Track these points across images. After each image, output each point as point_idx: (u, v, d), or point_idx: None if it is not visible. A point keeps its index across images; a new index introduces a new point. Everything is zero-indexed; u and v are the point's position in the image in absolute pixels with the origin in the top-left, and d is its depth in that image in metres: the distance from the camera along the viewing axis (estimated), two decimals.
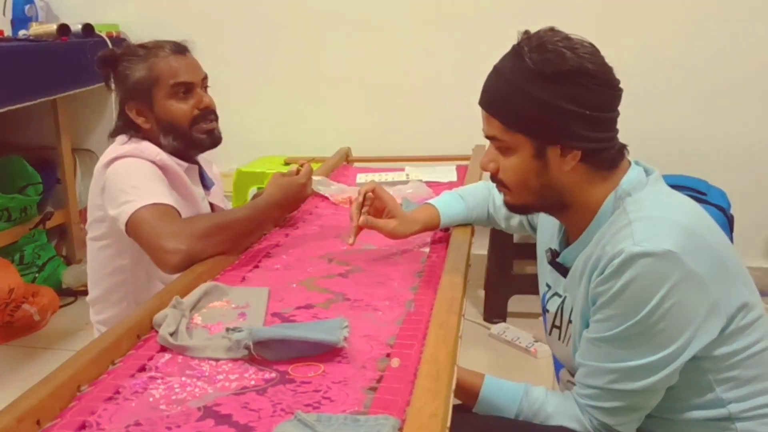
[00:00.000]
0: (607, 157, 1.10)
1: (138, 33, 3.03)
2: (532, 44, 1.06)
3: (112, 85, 1.65)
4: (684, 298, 0.99)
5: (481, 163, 1.18)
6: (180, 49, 1.62)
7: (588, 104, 1.04)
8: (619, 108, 1.11)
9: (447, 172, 2.19)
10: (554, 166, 1.09)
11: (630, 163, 1.14)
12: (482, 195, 1.53)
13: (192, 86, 1.60)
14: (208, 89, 1.67)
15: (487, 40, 2.80)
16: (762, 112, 2.77)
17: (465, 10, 2.87)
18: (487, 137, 1.14)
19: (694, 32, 2.74)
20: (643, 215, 1.04)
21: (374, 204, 1.46)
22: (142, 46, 1.62)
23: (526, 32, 1.09)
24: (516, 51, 1.08)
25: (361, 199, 1.45)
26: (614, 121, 1.10)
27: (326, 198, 1.89)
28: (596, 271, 1.05)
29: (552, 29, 1.08)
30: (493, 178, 1.17)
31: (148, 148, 1.57)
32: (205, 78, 1.66)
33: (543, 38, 1.06)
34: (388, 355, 1.00)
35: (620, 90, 1.09)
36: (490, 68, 1.14)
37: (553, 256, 1.22)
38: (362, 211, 1.44)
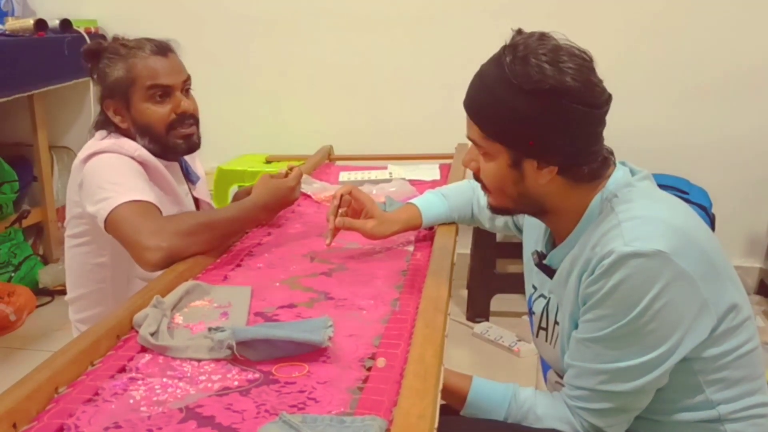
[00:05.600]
0: (587, 170, 1.07)
1: (116, 29, 2.94)
2: (516, 54, 1.01)
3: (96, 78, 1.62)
4: (675, 299, 0.98)
5: (463, 161, 1.16)
6: (161, 50, 1.56)
7: (565, 123, 1.01)
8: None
9: (430, 171, 2.18)
10: (530, 177, 1.07)
11: (615, 165, 1.12)
12: (466, 195, 1.52)
13: (170, 89, 1.55)
14: (191, 91, 1.62)
15: (471, 37, 2.81)
16: (743, 110, 2.79)
17: (449, 7, 2.86)
18: (469, 139, 1.13)
19: (674, 30, 2.76)
20: (633, 215, 1.03)
21: (352, 205, 1.45)
22: (124, 44, 1.57)
23: (520, 31, 1.06)
24: (499, 58, 1.04)
25: (336, 201, 1.43)
26: (596, 137, 1.06)
27: (309, 196, 1.88)
28: (586, 272, 1.04)
29: (542, 37, 1.04)
30: (476, 177, 1.16)
31: (127, 143, 1.54)
32: (187, 80, 1.60)
33: (529, 48, 1.01)
34: (373, 355, 0.99)
35: (606, 106, 1.04)
36: (474, 66, 1.11)
37: (540, 258, 1.21)
38: (339, 212, 1.43)
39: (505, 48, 1.04)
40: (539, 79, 0.99)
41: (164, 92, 1.55)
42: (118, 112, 1.57)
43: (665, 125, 2.82)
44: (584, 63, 1.02)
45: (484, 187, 1.16)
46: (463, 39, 2.84)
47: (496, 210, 1.19)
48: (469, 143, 1.15)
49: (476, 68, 1.12)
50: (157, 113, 1.55)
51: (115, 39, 1.61)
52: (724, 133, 2.81)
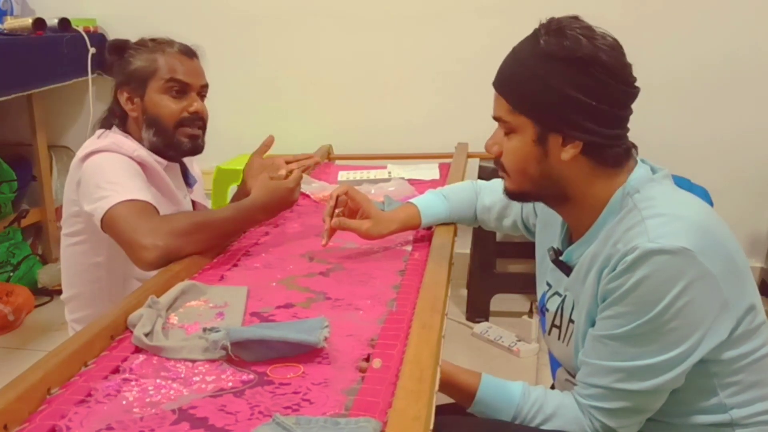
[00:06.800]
0: (611, 154, 1.07)
1: (115, 28, 2.99)
2: (551, 27, 1.04)
3: (110, 74, 1.65)
4: (697, 297, 0.97)
5: (486, 145, 1.15)
6: (188, 52, 1.62)
7: (595, 95, 1.02)
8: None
9: (429, 170, 2.17)
10: (554, 154, 1.07)
11: (637, 162, 1.12)
12: (468, 195, 1.51)
13: (188, 88, 1.58)
14: (205, 99, 1.65)
15: (471, 37, 2.80)
16: (744, 110, 2.78)
17: (449, 7, 2.85)
18: (494, 118, 1.12)
19: (675, 29, 2.75)
20: (657, 212, 1.02)
21: (348, 205, 1.45)
22: (153, 39, 1.61)
23: (550, 18, 1.07)
24: (534, 33, 1.06)
25: (332, 202, 1.43)
26: (623, 119, 1.07)
27: (307, 196, 1.87)
28: (607, 268, 1.03)
29: (575, 17, 1.06)
30: (496, 161, 1.15)
31: (126, 142, 1.54)
32: (205, 87, 1.64)
33: (563, 23, 1.04)
34: (369, 356, 0.98)
35: (634, 89, 1.05)
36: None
37: (557, 255, 1.20)
38: (335, 213, 1.43)
39: (540, 25, 1.06)
40: (573, 47, 1.01)
41: (181, 89, 1.58)
42: (131, 100, 1.59)
43: (666, 125, 2.81)
44: (616, 44, 1.05)
45: (503, 171, 1.15)
46: (462, 39, 2.82)
47: (513, 195, 1.17)
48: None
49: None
50: (170, 107, 1.57)
51: (141, 38, 1.65)
52: (725, 133, 2.80)
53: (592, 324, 1.08)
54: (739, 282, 1.02)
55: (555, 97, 1.03)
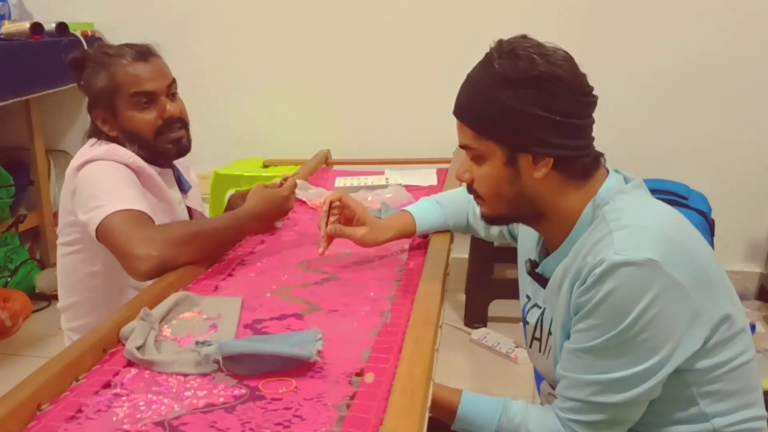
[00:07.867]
0: (580, 165, 1.07)
1: (113, 32, 2.98)
2: (502, 50, 1.04)
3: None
4: (666, 308, 0.97)
5: (457, 174, 1.16)
6: (143, 56, 1.55)
7: (558, 110, 1.02)
8: (598, 113, 1.08)
9: (427, 176, 2.16)
10: (526, 174, 1.07)
11: (608, 172, 1.12)
12: (461, 202, 1.51)
13: (155, 95, 1.54)
14: (177, 93, 1.61)
15: (467, 44, 2.79)
16: (743, 115, 2.77)
17: (447, 13, 2.85)
18: (461, 146, 1.12)
19: (673, 36, 2.74)
20: (624, 224, 1.02)
21: (343, 213, 1.44)
22: (105, 52, 1.55)
23: (500, 41, 1.07)
24: (486, 58, 1.06)
25: (326, 208, 1.42)
26: (587, 129, 1.08)
27: (304, 202, 1.86)
28: (578, 281, 1.03)
29: (524, 36, 1.07)
30: (469, 188, 1.16)
31: (121, 150, 1.53)
32: (172, 84, 1.58)
33: (514, 44, 1.04)
34: (362, 370, 0.97)
35: (593, 97, 1.06)
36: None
37: (533, 267, 1.20)
38: (330, 220, 1.42)
39: (491, 49, 1.06)
40: (527, 67, 1.01)
41: (149, 98, 1.54)
42: (106, 121, 1.56)
43: (664, 130, 2.80)
44: (568, 56, 1.05)
45: (478, 197, 1.15)
46: (461, 44, 2.81)
47: (490, 219, 1.18)
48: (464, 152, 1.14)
49: None
50: (144, 120, 1.54)
51: (98, 46, 1.60)
52: (724, 139, 2.79)
53: (568, 336, 1.08)
54: (711, 292, 1.02)
55: (518, 118, 1.03)
